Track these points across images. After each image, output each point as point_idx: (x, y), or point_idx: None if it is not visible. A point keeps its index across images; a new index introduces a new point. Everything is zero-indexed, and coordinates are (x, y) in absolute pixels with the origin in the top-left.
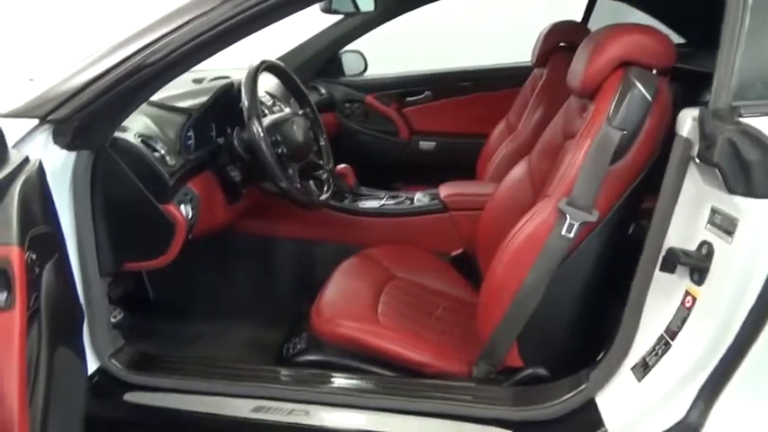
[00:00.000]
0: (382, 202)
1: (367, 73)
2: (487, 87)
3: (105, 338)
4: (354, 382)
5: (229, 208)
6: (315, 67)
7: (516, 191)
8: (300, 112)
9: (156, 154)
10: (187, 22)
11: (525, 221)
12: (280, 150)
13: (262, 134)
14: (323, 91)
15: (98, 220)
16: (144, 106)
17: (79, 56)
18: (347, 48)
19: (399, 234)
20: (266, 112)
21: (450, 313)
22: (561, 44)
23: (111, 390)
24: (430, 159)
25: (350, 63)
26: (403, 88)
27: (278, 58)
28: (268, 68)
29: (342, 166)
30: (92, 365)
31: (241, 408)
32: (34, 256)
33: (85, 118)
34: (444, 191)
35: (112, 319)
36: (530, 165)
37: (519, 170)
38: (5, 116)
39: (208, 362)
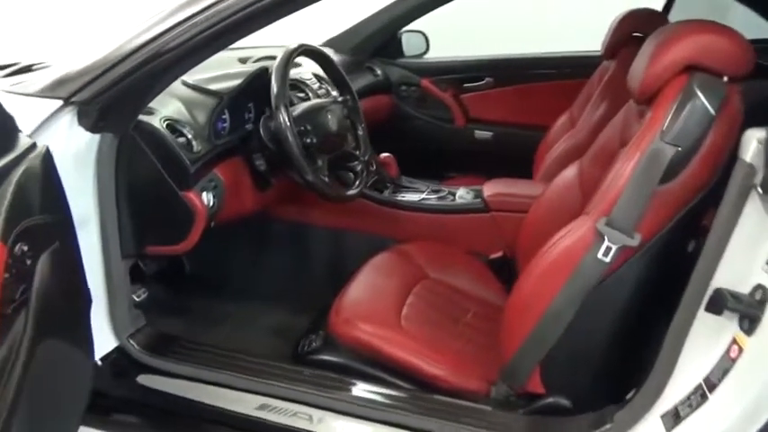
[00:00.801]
0: (423, 195)
1: (426, 56)
2: (554, 77)
3: (125, 318)
4: (363, 390)
5: (259, 195)
6: (372, 47)
7: (564, 196)
8: (340, 99)
9: (182, 139)
10: (215, 3)
11: (560, 237)
12: (308, 140)
13: (288, 123)
14: (378, 72)
15: (121, 204)
16: (178, 87)
17: (104, 36)
18: (408, 27)
19: (437, 231)
20: (310, 95)
21: (479, 320)
22: (635, 34)
23: (126, 370)
24: (485, 150)
25: (410, 44)
26: (462, 73)
27: (333, 38)
28: (305, 53)
29: (385, 155)
30: (110, 344)
31: (247, 404)
32: (26, 248)
33: (109, 100)
34: (488, 189)
35: (136, 299)
36: (581, 169)
37: (569, 173)
38: (29, 95)
39: (223, 351)
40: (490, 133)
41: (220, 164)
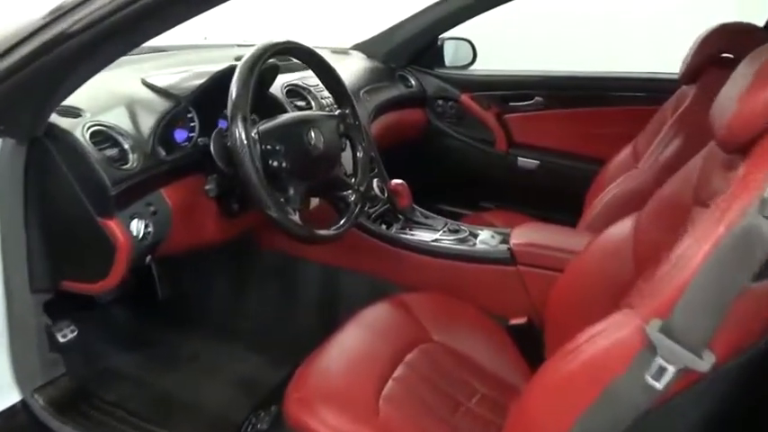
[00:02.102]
0: (437, 234)
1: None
2: (617, 101)
3: (34, 366)
4: None
5: (225, 223)
6: (407, 54)
7: (611, 260)
8: (337, 112)
9: (113, 151)
10: None
11: (593, 334)
12: (276, 163)
13: (244, 141)
14: (412, 82)
15: (31, 227)
16: (132, 85)
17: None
18: (449, 34)
19: (450, 281)
20: (312, 105)
21: (485, 407)
22: (723, 55)
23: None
24: (528, 181)
25: (454, 53)
26: (508, 90)
27: (364, 41)
28: (287, 51)
29: (396, 181)
30: (11, 398)
31: None
32: None
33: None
34: (517, 236)
35: (60, 339)
36: (638, 225)
37: (622, 229)
38: None
39: (142, 424)
40: (536, 162)
41: (172, 184)
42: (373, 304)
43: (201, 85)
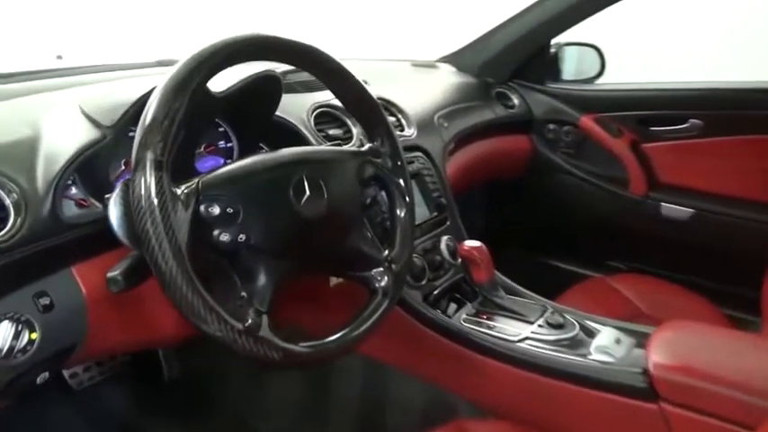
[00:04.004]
0: (531, 328)
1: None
2: None
3: None
4: None
5: None
6: (510, 66)
7: None
8: (364, 147)
9: None
10: None
11: None
12: (228, 237)
13: (154, 200)
14: (514, 101)
15: None
16: (35, 115)
17: None
18: (560, 39)
19: (544, 408)
20: (353, 133)
21: None
22: None
23: None
24: (678, 236)
25: (574, 62)
26: (649, 110)
27: (454, 53)
28: (251, 54)
29: (471, 244)
30: None
31: None
32: None
33: None
34: (660, 347)
35: None
36: None
37: None
38: None
39: None
40: (689, 211)
41: (91, 258)
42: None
43: (129, 110)
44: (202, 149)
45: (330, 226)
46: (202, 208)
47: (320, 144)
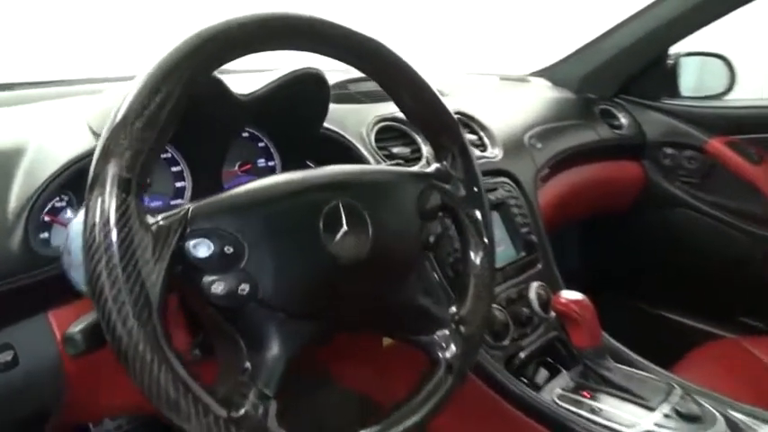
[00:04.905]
0: (655, 418)
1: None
2: None
3: None
4: None
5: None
6: (617, 79)
7: None
8: (431, 168)
9: None
10: None
11: None
12: (223, 289)
13: (113, 237)
14: (622, 120)
15: None
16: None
17: None
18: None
19: None
20: (424, 153)
21: None
22: None
23: None
24: None
25: (696, 75)
26: None
27: (552, 66)
28: (265, 40)
29: (570, 296)
30: None
31: None
32: None
33: None
34: None
35: None
36: None
37: None
38: None
39: None
40: None
41: (73, 302)
42: None
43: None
44: (236, 168)
45: (374, 273)
46: (189, 245)
47: (379, 164)
